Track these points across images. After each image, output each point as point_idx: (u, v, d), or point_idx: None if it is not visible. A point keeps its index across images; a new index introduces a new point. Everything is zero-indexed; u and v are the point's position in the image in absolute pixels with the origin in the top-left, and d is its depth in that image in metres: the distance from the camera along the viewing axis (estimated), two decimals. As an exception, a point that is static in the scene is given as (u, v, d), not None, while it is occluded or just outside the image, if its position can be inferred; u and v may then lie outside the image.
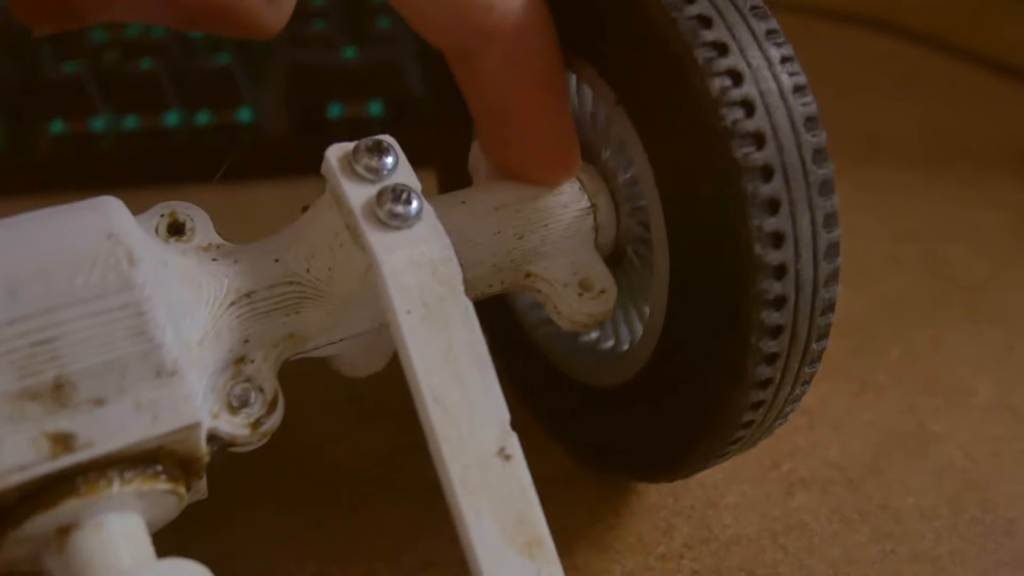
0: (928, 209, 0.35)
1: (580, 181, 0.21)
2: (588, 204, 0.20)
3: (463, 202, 0.20)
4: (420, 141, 0.24)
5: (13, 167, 0.35)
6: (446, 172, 0.26)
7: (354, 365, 0.20)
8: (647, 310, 0.20)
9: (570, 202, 0.20)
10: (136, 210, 0.18)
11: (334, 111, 0.36)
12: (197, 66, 0.35)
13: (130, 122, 0.35)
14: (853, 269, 0.32)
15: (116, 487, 0.15)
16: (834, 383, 0.27)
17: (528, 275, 0.20)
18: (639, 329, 0.21)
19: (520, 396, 0.25)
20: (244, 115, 0.36)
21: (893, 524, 0.23)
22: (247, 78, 0.36)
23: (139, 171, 0.35)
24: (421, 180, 0.18)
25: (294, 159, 0.35)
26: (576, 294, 0.20)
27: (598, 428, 0.22)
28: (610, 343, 0.23)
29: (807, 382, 0.19)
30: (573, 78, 0.21)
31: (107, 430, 0.15)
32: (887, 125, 0.41)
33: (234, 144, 0.35)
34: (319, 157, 0.18)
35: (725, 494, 0.23)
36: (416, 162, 0.18)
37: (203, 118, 0.36)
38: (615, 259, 0.21)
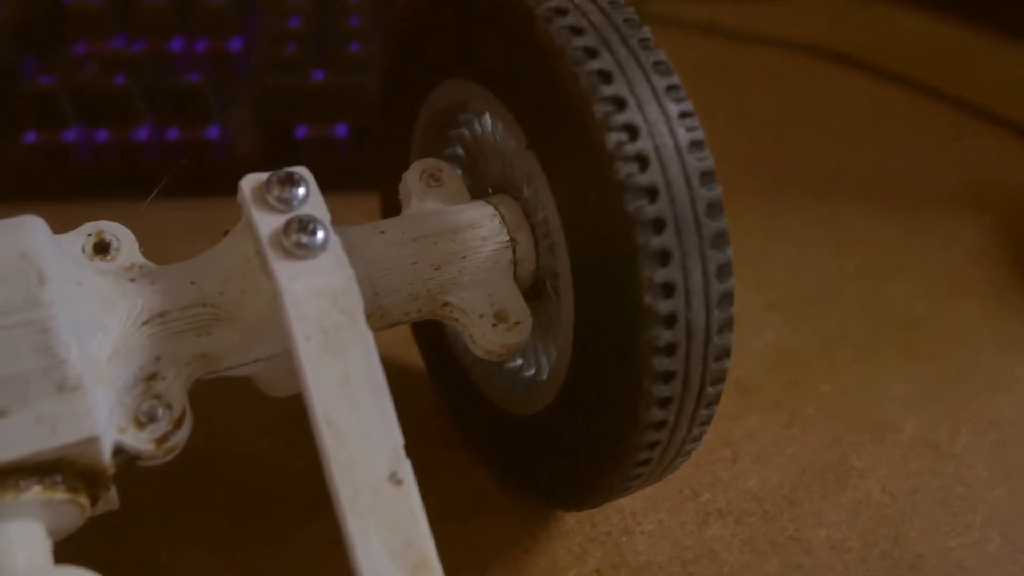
0: (879, 245, 0.36)
1: (501, 215, 0.21)
2: (507, 238, 0.21)
3: (382, 232, 0.20)
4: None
5: (-15, 175, 0.36)
6: (388, 194, 0.26)
7: (272, 385, 0.20)
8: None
9: (489, 235, 0.21)
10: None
11: (301, 131, 0.37)
12: (170, 83, 0.36)
13: (102, 136, 0.36)
14: (795, 304, 0.32)
15: (13, 495, 0.16)
16: (763, 415, 0.27)
17: (445, 304, 0.21)
18: (554, 360, 0.22)
19: (452, 419, 0.26)
20: (213, 132, 0.37)
21: (803, 556, 0.23)
22: (218, 96, 0.37)
23: (109, 183, 0.36)
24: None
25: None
26: (491, 325, 0.21)
27: (516, 454, 0.23)
28: (531, 371, 0.23)
29: (705, 423, 0.19)
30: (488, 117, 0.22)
31: (6, 440, 0.16)
32: (851, 160, 0.41)
33: (188, 160, 0.36)
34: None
35: (641, 522, 0.24)
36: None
37: (173, 134, 0.36)
38: (535, 291, 0.22)
